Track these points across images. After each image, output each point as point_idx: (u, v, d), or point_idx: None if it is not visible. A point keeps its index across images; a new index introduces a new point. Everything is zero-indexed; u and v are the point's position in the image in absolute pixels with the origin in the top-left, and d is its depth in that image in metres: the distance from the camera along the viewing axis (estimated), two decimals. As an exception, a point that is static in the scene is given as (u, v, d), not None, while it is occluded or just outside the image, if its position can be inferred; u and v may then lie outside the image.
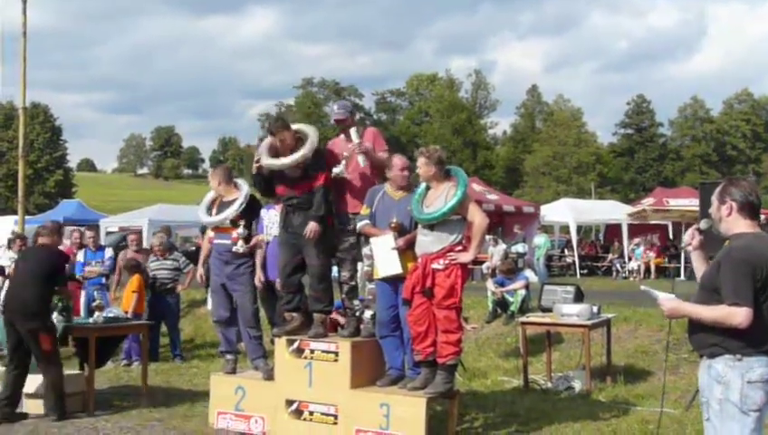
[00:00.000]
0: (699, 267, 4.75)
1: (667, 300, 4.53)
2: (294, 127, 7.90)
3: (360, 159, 7.71)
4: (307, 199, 7.63)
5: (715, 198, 4.56)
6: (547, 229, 29.97)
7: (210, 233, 8.53)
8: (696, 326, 4.47)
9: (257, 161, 7.86)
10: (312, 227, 7.52)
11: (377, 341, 7.60)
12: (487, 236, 20.96)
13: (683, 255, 25.89)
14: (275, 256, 8.18)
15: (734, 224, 4.46)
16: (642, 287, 4.88)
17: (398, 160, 7.58)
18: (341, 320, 8.30)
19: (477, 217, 7.20)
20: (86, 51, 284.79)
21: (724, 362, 4.32)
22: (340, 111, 8.13)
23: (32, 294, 8.58)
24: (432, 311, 7.05)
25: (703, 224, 4.76)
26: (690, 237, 4.78)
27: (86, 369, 9.40)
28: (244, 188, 8.49)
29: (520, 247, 23.97)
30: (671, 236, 29.06)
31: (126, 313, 11.47)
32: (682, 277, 25.09)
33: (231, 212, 8.26)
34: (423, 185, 7.32)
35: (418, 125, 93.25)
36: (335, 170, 7.75)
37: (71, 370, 10.18)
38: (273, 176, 7.84)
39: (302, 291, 7.87)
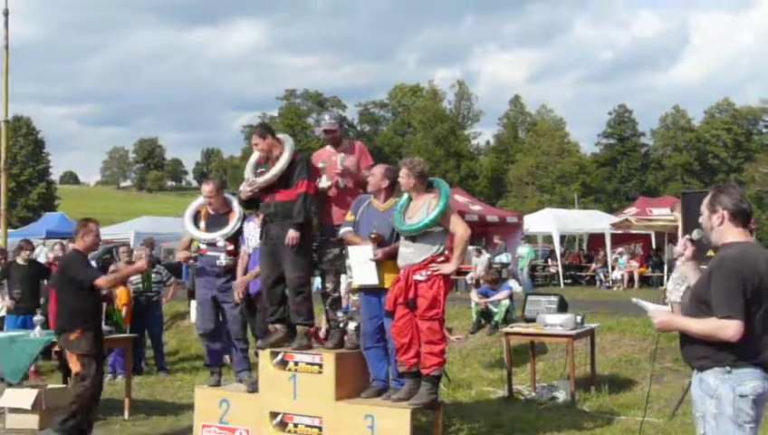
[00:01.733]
0: (693, 278, 4.66)
1: (657, 313, 4.48)
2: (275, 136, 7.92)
3: (340, 182, 7.74)
4: (285, 208, 7.58)
5: (705, 207, 4.45)
6: (530, 239, 30.02)
7: (202, 246, 8.52)
8: (686, 339, 4.40)
9: (248, 187, 7.88)
10: (290, 234, 7.47)
11: (361, 352, 7.59)
12: (471, 247, 21.01)
13: (666, 264, 26.04)
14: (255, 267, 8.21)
15: (726, 232, 4.37)
16: (633, 299, 4.86)
17: (376, 169, 7.62)
18: (322, 329, 8.29)
19: (459, 228, 7.22)
20: (71, 63, 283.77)
21: (715, 376, 4.24)
22: (332, 120, 8.08)
23: (55, 310, 8.23)
24: (415, 322, 7.07)
25: (695, 234, 4.69)
26: (683, 247, 4.71)
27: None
28: (236, 207, 8.52)
29: (504, 258, 24.02)
30: (654, 246, 29.15)
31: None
32: (665, 286, 25.20)
33: (228, 231, 8.37)
34: (405, 196, 7.33)
35: (402, 136, 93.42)
36: (321, 184, 7.76)
37: (54, 383, 10.16)
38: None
39: (286, 303, 7.83)
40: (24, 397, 8.88)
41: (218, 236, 8.36)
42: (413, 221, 7.10)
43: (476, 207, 26.90)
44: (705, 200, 4.48)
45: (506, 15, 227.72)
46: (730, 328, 4.13)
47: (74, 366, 7.97)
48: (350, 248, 7.48)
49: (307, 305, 7.71)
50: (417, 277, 7.03)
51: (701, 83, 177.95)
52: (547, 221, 30.11)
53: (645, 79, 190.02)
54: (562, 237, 32.20)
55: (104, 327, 10.37)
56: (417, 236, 7.08)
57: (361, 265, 7.34)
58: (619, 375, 10.93)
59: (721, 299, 4.17)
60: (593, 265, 29.45)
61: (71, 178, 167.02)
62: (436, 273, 7.03)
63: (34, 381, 10.77)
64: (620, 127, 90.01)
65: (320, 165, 7.86)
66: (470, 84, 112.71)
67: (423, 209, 7.11)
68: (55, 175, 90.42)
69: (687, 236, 4.74)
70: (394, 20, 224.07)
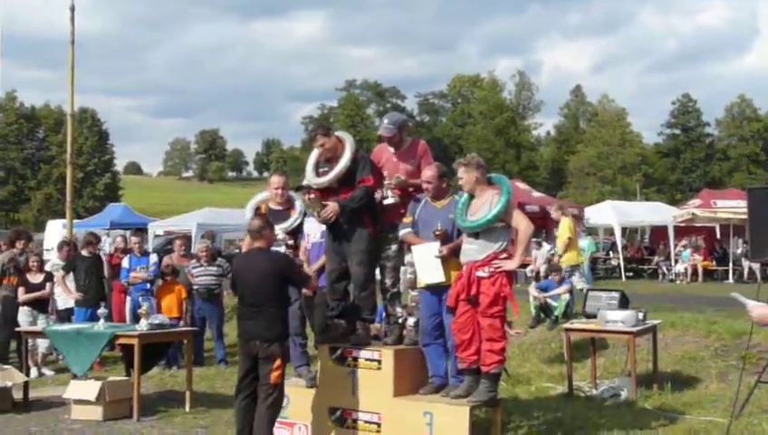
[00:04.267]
0: None
1: (756, 306, 4.48)
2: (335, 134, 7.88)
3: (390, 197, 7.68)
4: None
5: None
6: (591, 232, 29.66)
7: None
8: None
9: (306, 188, 7.82)
10: (331, 207, 7.42)
11: (420, 349, 7.57)
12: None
13: (731, 257, 25.57)
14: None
15: None
16: (732, 294, 4.85)
17: (429, 172, 7.49)
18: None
19: (522, 224, 7.15)
20: (135, 56, 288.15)
21: None
22: (390, 125, 7.79)
23: (269, 314, 7.15)
24: (476, 319, 7.02)
25: None
26: None
27: (133, 375, 9.48)
28: (297, 204, 8.49)
29: (564, 250, 23.72)
30: (718, 237, 28.60)
31: (178, 319, 11.88)
32: (730, 280, 24.78)
33: (288, 225, 8.24)
34: (466, 194, 7.27)
35: (461, 127, 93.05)
36: (387, 202, 7.64)
37: (117, 374, 10.34)
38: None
39: (347, 298, 7.85)
40: (89, 389, 9.06)
41: (279, 229, 8.34)
42: (475, 217, 7.05)
43: (537, 195, 26.69)
44: None
45: (570, 5, 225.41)
46: None
47: (276, 377, 7.08)
48: (414, 247, 7.45)
49: (371, 301, 7.74)
50: (479, 274, 6.98)
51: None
52: (608, 213, 29.72)
53: (710, 68, 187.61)
54: (624, 230, 31.77)
55: (165, 320, 10.58)
56: (479, 232, 7.03)
57: (427, 264, 7.32)
58: (682, 373, 10.72)
59: None
60: (655, 258, 29.00)
61: (134, 168, 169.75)
62: (499, 269, 6.97)
63: (98, 373, 10.95)
64: (684, 117, 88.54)
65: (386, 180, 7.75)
66: (532, 74, 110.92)
67: (485, 206, 7.04)
68: (119, 166, 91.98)
69: None
70: (456, 10, 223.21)
